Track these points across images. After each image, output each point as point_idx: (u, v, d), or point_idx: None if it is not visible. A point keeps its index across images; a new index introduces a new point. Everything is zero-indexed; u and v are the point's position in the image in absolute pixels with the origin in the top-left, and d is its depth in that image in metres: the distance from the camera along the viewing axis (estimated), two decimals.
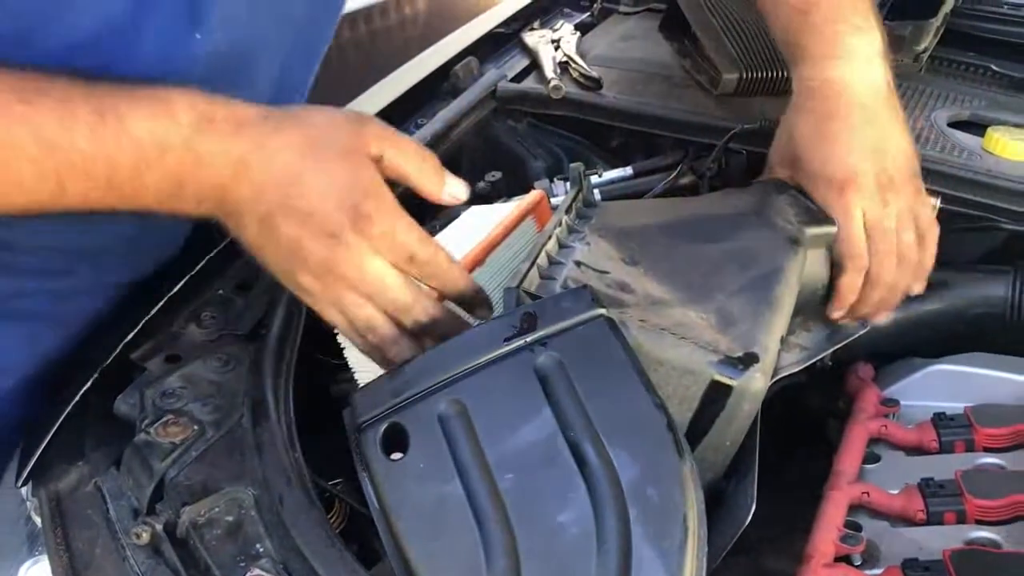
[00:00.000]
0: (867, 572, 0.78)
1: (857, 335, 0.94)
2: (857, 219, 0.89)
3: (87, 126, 0.69)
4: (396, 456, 0.69)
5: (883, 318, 0.95)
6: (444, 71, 1.32)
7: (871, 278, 0.91)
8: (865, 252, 0.90)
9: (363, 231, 0.72)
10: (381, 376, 0.74)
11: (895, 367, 1.03)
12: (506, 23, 1.47)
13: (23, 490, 0.83)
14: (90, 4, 0.72)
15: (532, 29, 1.45)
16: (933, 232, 0.93)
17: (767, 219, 0.91)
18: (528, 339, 0.71)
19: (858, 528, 0.83)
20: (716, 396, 0.75)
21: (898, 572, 0.77)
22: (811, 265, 0.90)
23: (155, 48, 0.76)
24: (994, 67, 1.29)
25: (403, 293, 0.75)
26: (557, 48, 1.36)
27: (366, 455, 0.69)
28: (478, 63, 1.35)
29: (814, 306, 0.93)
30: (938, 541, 0.80)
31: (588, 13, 1.54)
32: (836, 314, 0.92)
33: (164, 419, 0.81)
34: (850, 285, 0.91)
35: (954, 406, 0.95)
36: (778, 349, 0.81)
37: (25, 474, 0.82)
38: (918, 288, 0.94)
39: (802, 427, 1.10)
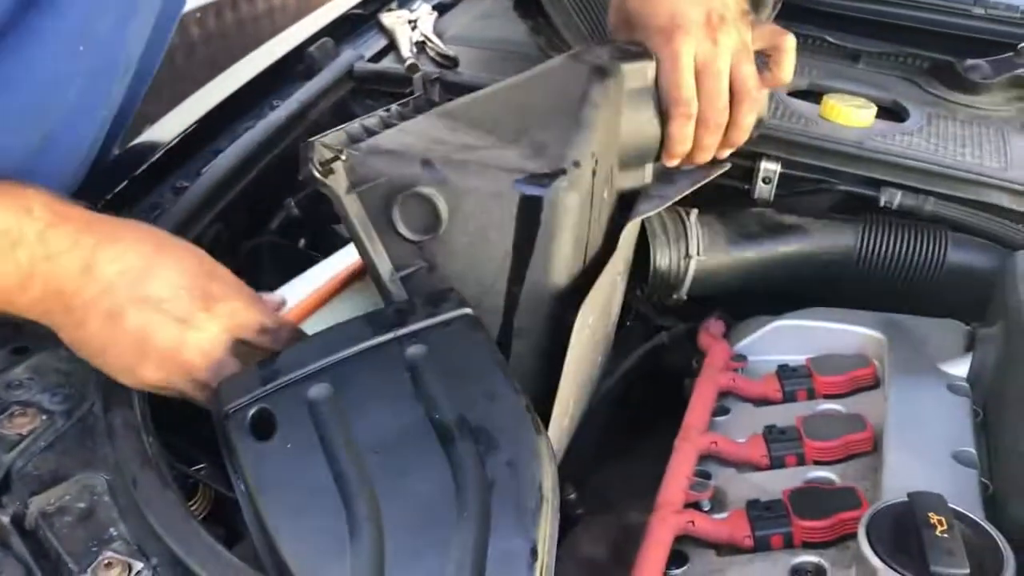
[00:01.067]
0: (714, 516, 0.82)
1: (712, 176, 0.98)
2: (684, 64, 0.91)
3: None
4: (263, 441, 0.70)
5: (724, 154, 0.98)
6: (299, 52, 1.31)
7: (702, 120, 0.93)
8: (693, 98, 0.92)
9: (213, 311, 0.77)
10: (248, 367, 0.76)
11: (743, 324, 1.08)
12: (363, 4, 1.47)
13: None
14: None
15: (389, 10, 1.45)
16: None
17: (580, 60, 0.93)
18: (398, 333, 0.74)
19: (707, 476, 0.88)
20: (530, 214, 0.78)
21: (742, 513, 0.81)
22: (638, 113, 0.92)
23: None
24: (829, 38, 1.36)
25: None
26: (414, 28, 1.37)
27: (232, 440, 0.70)
28: (334, 44, 1.34)
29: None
30: (780, 483, 0.85)
31: None
32: (670, 162, 0.95)
33: (10, 411, 0.79)
34: (679, 133, 0.93)
35: (797, 359, 1.00)
36: (594, 167, 0.82)
37: None
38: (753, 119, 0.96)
39: (664, 389, 1.15)
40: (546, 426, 0.74)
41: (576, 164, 0.79)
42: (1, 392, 0.81)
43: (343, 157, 0.77)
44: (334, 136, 0.79)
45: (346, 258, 0.98)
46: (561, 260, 0.80)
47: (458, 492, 0.66)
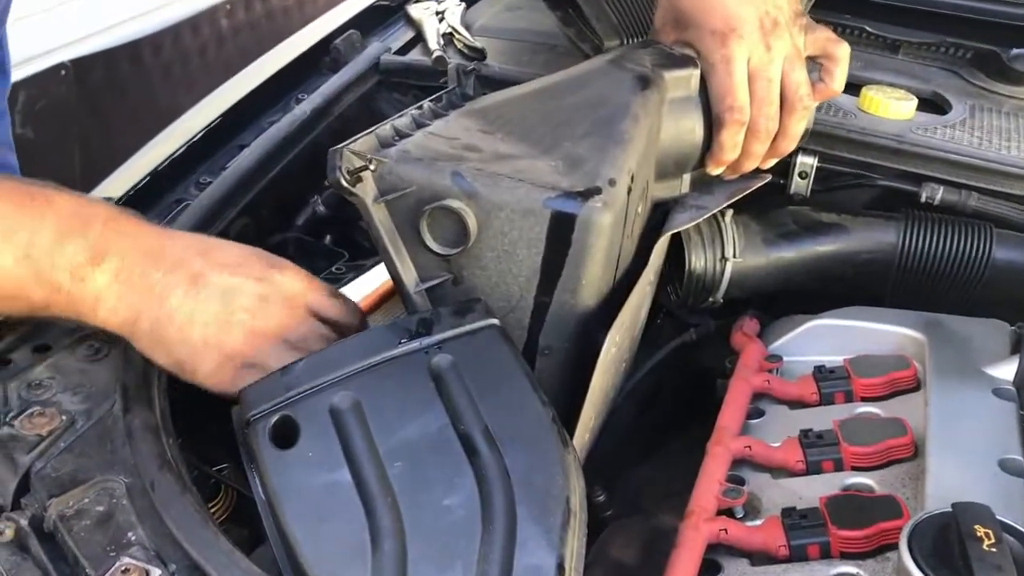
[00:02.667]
0: (748, 523, 0.80)
1: (753, 188, 0.95)
2: (738, 70, 0.89)
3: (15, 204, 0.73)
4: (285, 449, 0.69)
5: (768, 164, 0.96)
6: (325, 45, 1.29)
7: (752, 128, 0.91)
8: (746, 105, 0.89)
9: (284, 273, 0.81)
10: (271, 374, 0.74)
11: (778, 323, 1.05)
12: None
13: None
14: None
15: (416, 1, 1.43)
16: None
17: (621, 67, 0.91)
18: (423, 342, 0.73)
19: (741, 482, 0.85)
20: (561, 233, 0.76)
21: (777, 521, 0.78)
22: (680, 122, 0.89)
23: None
24: (869, 28, 1.32)
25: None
26: (442, 20, 1.35)
27: (254, 447, 0.69)
28: (360, 36, 1.32)
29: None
30: (817, 489, 0.82)
31: None
32: (714, 170, 0.92)
33: (30, 411, 0.78)
34: (729, 140, 0.90)
35: (834, 359, 0.97)
36: (630, 185, 0.80)
37: None
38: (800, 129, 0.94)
39: (696, 389, 1.12)
40: None
41: (611, 182, 0.76)
42: (22, 392, 0.80)
43: (372, 167, 0.75)
44: (363, 142, 0.77)
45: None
46: (591, 280, 0.78)
47: (483, 505, 0.64)
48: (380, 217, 0.78)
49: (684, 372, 1.13)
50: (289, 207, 1.12)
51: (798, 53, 0.91)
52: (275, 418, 0.70)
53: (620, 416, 1.03)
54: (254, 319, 0.77)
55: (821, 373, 0.95)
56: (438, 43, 1.27)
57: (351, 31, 1.31)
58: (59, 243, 0.73)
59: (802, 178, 1.10)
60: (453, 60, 1.25)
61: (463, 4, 1.40)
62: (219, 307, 0.76)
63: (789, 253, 1.03)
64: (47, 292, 0.73)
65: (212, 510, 0.83)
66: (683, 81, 0.89)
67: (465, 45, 1.27)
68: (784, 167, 1.10)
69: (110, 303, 0.75)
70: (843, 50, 0.94)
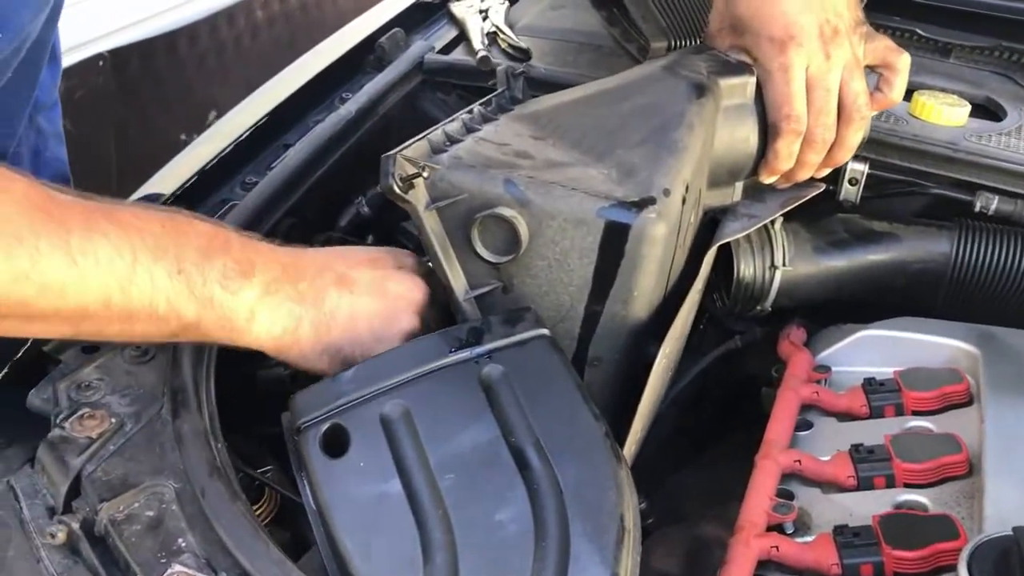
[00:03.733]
0: (799, 540, 0.79)
1: (807, 198, 0.94)
2: (797, 78, 0.87)
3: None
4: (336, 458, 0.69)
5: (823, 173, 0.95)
6: (369, 43, 1.29)
7: (808, 137, 0.89)
8: (804, 114, 0.88)
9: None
10: (322, 381, 0.74)
11: (826, 333, 1.03)
12: None
13: None
14: None
15: None
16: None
17: (675, 74, 0.89)
18: (473, 351, 0.73)
19: (790, 496, 0.84)
20: (614, 243, 0.75)
21: (829, 539, 0.77)
22: (735, 130, 0.88)
23: None
24: (920, 31, 1.30)
25: None
26: (485, 18, 1.34)
27: (304, 455, 0.69)
28: (404, 34, 1.32)
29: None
30: (868, 506, 0.81)
31: None
32: (768, 179, 0.91)
33: (80, 413, 0.78)
34: (785, 149, 0.89)
35: (884, 371, 0.96)
36: (684, 194, 0.79)
37: None
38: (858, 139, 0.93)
39: (739, 396, 1.11)
40: None
41: (666, 192, 0.75)
42: (72, 393, 0.81)
43: (425, 175, 0.74)
44: (415, 148, 0.77)
45: None
46: (643, 291, 0.77)
47: (536, 521, 0.63)
48: (431, 224, 0.77)
49: (726, 378, 1.12)
50: (333, 207, 1.12)
51: (857, 62, 0.89)
52: (326, 426, 0.71)
53: (661, 421, 1.02)
54: (411, 303, 0.80)
55: (871, 385, 0.94)
56: (482, 42, 1.26)
57: (395, 29, 1.31)
58: (207, 259, 0.73)
59: (852, 184, 1.08)
60: (497, 60, 1.24)
61: (507, 2, 1.39)
62: (376, 299, 0.78)
63: (840, 262, 1.01)
64: (199, 307, 0.72)
65: (256, 513, 0.83)
66: (739, 88, 0.87)
67: (509, 45, 1.26)
68: (834, 173, 1.08)
69: (266, 316, 0.75)
70: (903, 60, 0.92)
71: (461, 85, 1.26)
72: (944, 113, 1.13)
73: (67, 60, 2.05)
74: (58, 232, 0.66)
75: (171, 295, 0.71)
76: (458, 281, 0.79)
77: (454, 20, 1.37)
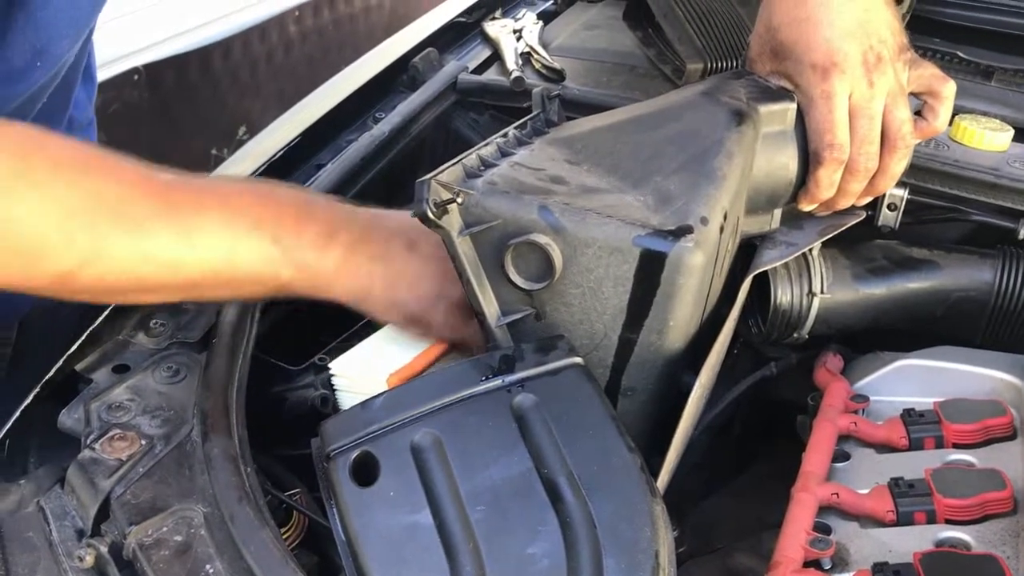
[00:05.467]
0: None
1: (847, 226, 0.92)
2: (840, 106, 0.86)
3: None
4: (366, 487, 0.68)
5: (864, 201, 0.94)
6: (403, 63, 1.29)
7: (851, 166, 0.88)
8: (846, 142, 0.87)
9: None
10: (352, 407, 0.74)
11: (864, 361, 1.02)
12: (467, 12, 1.44)
13: None
14: None
15: (494, 19, 1.42)
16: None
17: (715, 100, 0.88)
18: (505, 380, 0.72)
19: (827, 530, 0.82)
20: (650, 272, 0.74)
21: None
22: (775, 157, 0.87)
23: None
24: (961, 54, 1.28)
25: None
26: (519, 38, 1.33)
27: (334, 483, 0.68)
28: (438, 54, 1.32)
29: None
30: (908, 542, 0.79)
31: (551, 1, 1.51)
32: (807, 207, 0.90)
33: (110, 434, 0.78)
34: (826, 178, 0.88)
35: (923, 401, 0.94)
36: (722, 223, 0.77)
37: None
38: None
39: (772, 422, 1.09)
40: None
41: (704, 221, 0.74)
42: (103, 413, 0.81)
43: (459, 200, 0.73)
44: (449, 172, 0.76)
45: None
46: (679, 321, 0.75)
47: (568, 555, 0.62)
48: (464, 249, 0.77)
49: (758, 403, 1.10)
50: None
51: (901, 89, 0.87)
52: (356, 453, 0.70)
53: (691, 447, 1.00)
54: (448, 273, 0.82)
55: (910, 416, 0.92)
56: (516, 63, 1.26)
57: (429, 49, 1.31)
58: (300, 225, 0.79)
59: (891, 210, 1.06)
60: (531, 80, 1.23)
61: (540, 22, 1.38)
62: (440, 262, 0.81)
63: (879, 289, 0.99)
64: (293, 271, 0.79)
65: (284, 536, 0.82)
66: (779, 115, 0.86)
67: (543, 65, 1.26)
68: (872, 199, 1.06)
69: (346, 274, 0.81)
70: (949, 88, 0.91)
71: (494, 105, 1.25)
72: (986, 138, 1.11)
73: (102, 74, 2.07)
74: (173, 215, 0.73)
75: (270, 262, 0.78)
76: (490, 307, 0.78)
77: (488, 40, 1.37)
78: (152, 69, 2.26)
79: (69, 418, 0.81)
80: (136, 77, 2.24)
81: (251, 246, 0.77)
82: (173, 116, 2.37)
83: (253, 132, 2.49)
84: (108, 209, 0.71)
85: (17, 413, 0.82)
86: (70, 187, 0.70)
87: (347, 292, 0.82)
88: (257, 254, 0.77)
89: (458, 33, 1.41)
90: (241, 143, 2.48)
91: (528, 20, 1.38)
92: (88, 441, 0.78)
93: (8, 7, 0.79)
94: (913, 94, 0.91)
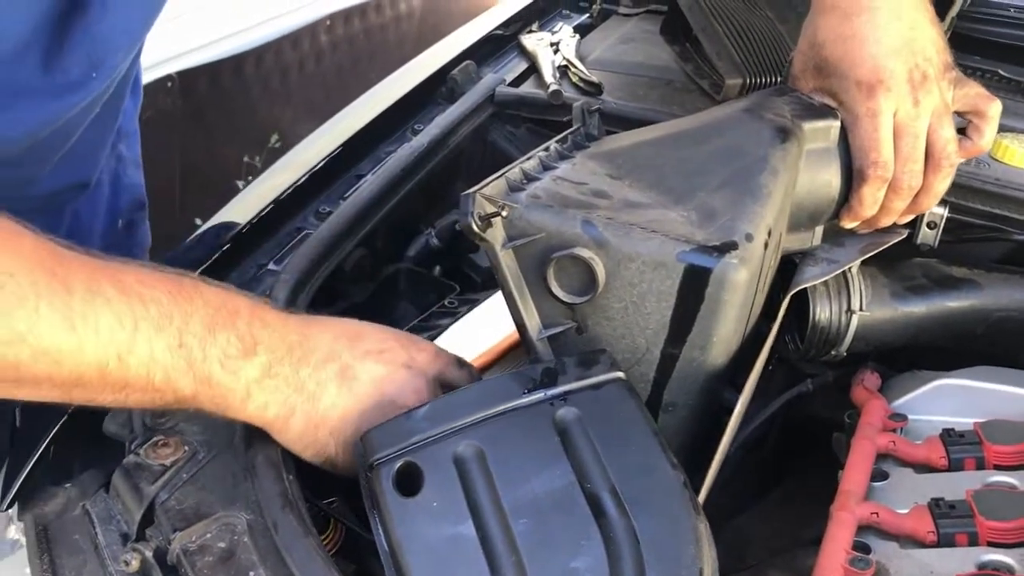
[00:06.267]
0: None
1: (889, 244, 0.92)
2: (885, 124, 0.86)
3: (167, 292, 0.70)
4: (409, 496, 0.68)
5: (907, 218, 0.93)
6: (441, 75, 1.30)
7: (894, 184, 0.87)
8: (891, 160, 0.86)
9: (424, 352, 0.82)
10: (396, 417, 0.74)
11: (902, 379, 1.01)
12: (504, 25, 1.45)
13: (9, 512, 0.81)
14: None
15: (531, 31, 1.43)
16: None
17: (758, 116, 0.88)
18: (548, 393, 0.72)
19: (867, 550, 0.81)
20: (694, 287, 0.74)
21: None
22: (818, 174, 0.87)
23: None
24: (1002, 72, 1.27)
25: None
26: (556, 51, 1.34)
27: (377, 493, 0.69)
28: (476, 67, 1.32)
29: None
30: (950, 564, 0.78)
31: (587, 15, 1.52)
32: (849, 224, 0.90)
33: (154, 440, 0.79)
34: (870, 196, 0.88)
35: (963, 421, 0.93)
36: (766, 240, 0.77)
37: (11, 496, 0.79)
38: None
39: (808, 439, 1.08)
40: None
41: (748, 238, 0.74)
42: (146, 419, 0.82)
43: (504, 214, 0.74)
44: (494, 186, 0.76)
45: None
46: (722, 337, 0.76)
47: (612, 570, 0.62)
48: (507, 262, 0.77)
49: (794, 420, 1.10)
50: (403, 238, 1.12)
51: (946, 108, 0.87)
52: (399, 463, 0.70)
53: (725, 463, 1.00)
54: (403, 409, 0.76)
55: (950, 436, 0.91)
56: (553, 76, 1.26)
57: (467, 62, 1.31)
58: (211, 334, 0.71)
59: (930, 228, 1.06)
60: (568, 93, 1.24)
61: (577, 35, 1.39)
62: (372, 401, 0.76)
63: (918, 308, 0.98)
64: (196, 384, 0.70)
65: (323, 543, 0.83)
66: (822, 132, 0.86)
67: (580, 78, 1.26)
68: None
69: (261, 399, 0.73)
70: (995, 108, 0.90)
71: (531, 118, 1.26)
72: None
73: None
74: (60, 294, 0.63)
75: (169, 369, 0.69)
76: (532, 320, 0.79)
77: (525, 53, 1.38)
78: (186, 76, 2.28)
79: (113, 423, 0.82)
80: (170, 84, 2.26)
81: (149, 348, 0.67)
82: (206, 123, 2.40)
83: (285, 140, 2.51)
84: None
85: (63, 418, 0.83)
86: None
87: (261, 420, 0.74)
88: (155, 359, 0.67)
89: (495, 46, 1.42)
90: (273, 151, 2.50)
91: (565, 33, 1.39)
92: (133, 447, 0.79)
93: (66, 20, 0.80)
94: (957, 113, 0.91)
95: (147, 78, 2.15)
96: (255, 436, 0.79)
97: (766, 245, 0.77)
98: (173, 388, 0.69)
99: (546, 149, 0.87)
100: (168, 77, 2.25)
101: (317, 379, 0.75)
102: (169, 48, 2.24)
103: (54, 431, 0.82)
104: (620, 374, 0.74)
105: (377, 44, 2.92)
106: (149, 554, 0.71)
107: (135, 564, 0.71)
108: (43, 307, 0.62)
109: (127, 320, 0.66)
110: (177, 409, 0.74)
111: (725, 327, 0.75)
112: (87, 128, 0.92)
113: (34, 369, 0.63)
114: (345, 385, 0.76)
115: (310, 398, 0.75)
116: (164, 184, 2.31)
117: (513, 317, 0.80)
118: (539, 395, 0.72)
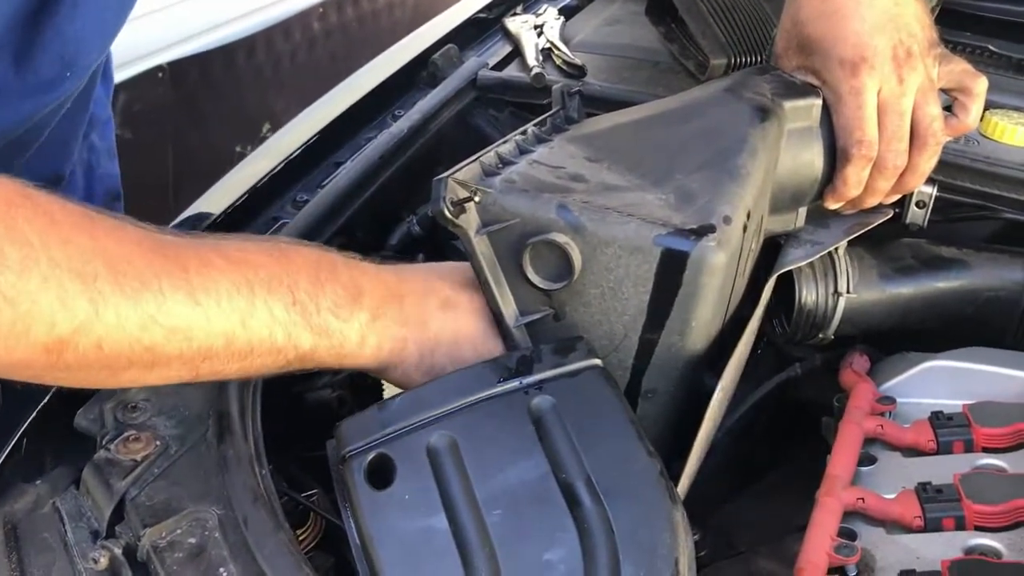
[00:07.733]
0: None
1: (874, 225, 0.90)
2: (869, 102, 0.84)
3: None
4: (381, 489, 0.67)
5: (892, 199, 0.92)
6: (423, 59, 1.28)
7: (879, 163, 0.86)
8: (875, 139, 0.85)
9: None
10: (368, 409, 0.73)
11: (891, 361, 0.99)
12: (488, 8, 1.43)
13: None
14: None
15: (515, 14, 1.41)
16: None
17: (738, 96, 0.87)
18: (523, 381, 0.70)
19: (852, 536, 0.80)
20: (671, 272, 0.72)
21: None
22: (800, 154, 0.85)
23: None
24: (992, 48, 1.25)
25: None
26: (540, 34, 1.32)
27: (349, 485, 0.68)
28: (458, 50, 1.30)
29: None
30: (936, 549, 0.77)
31: None
32: (833, 205, 0.88)
33: (126, 435, 0.78)
34: (854, 175, 0.86)
35: (952, 404, 0.91)
36: (746, 222, 0.76)
37: None
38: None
39: (796, 423, 1.07)
40: None
41: (727, 220, 0.72)
42: (118, 413, 0.80)
43: (476, 199, 0.72)
44: (467, 171, 0.75)
45: None
46: (701, 321, 0.74)
47: (586, 561, 0.61)
48: (482, 248, 0.75)
49: (781, 404, 1.08)
50: (384, 226, 1.11)
51: (931, 85, 0.85)
52: (371, 456, 0.69)
53: (713, 449, 0.99)
54: (492, 333, 0.78)
55: (938, 419, 0.89)
56: (536, 59, 1.25)
57: (449, 45, 1.29)
58: (319, 287, 0.72)
59: (919, 208, 1.04)
60: (552, 76, 1.22)
61: (562, 18, 1.37)
62: (480, 320, 0.77)
63: (906, 289, 0.97)
64: (314, 337, 0.72)
65: (301, 538, 0.82)
66: (804, 111, 0.84)
67: (564, 61, 1.24)
68: (900, 196, 1.04)
69: (374, 340, 0.75)
70: (980, 84, 0.89)
71: (514, 102, 1.24)
72: (1018, 133, 1.08)
73: (128, 72, 2.09)
74: (177, 272, 0.65)
75: (289, 326, 0.70)
76: (508, 307, 0.77)
77: (508, 36, 1.36)
78: (176, 67, 2.27)
79: (85, 419, 0.81)
80: (160, 75, 2.25)
81: (268, 310, 0.69)
82: (197, 113, 2.38)
83: (277, 129, 2.50)
84: (108, 268, 0.62)
85: (34, 413, 0.81)
86: (63, 245, 0.61)
87: (376, 360, 0.76)
88: (274, 319, 0.69)
89: (478, 29, 1.40)
90: (265, 140, 2.49)
91: (549, 16, 1.37)
92: (104, 442, 0.77)
93: (36, 20, 0.78)
94: (943, 90, 0.89)
95: (137, 69, 2.14)
96: (227, 430, 0.77)
97: (745, 227, 0.75)
98: (295, 344, 0.71)
99: (523, 133, 0.85)
100: (159, 68, 2.23)
101: (421, 311, 0.77)
102: (159, 38, 2.22)
103: (24, 427, 0.81)
104: (597, 361, 0.73)
105: (370, 31, 2.91)
106: (118, 551, 0.70)
107: (104, 562, 0.69)
108: (166, 287, 0.64)
109: (243, 287, 0.68)
110: (298, 369, 0.75)
111: (704, 311, 0.74)
112: (59, 121, 0.91)
113: (167, 349, 0.65)
114: (449, 312, 0.77)
115: (418, 326, 0.76)
116: (157, 175, 2.30)
117: (489, 304, 0.78)
118: (514, 384, 0.71)
